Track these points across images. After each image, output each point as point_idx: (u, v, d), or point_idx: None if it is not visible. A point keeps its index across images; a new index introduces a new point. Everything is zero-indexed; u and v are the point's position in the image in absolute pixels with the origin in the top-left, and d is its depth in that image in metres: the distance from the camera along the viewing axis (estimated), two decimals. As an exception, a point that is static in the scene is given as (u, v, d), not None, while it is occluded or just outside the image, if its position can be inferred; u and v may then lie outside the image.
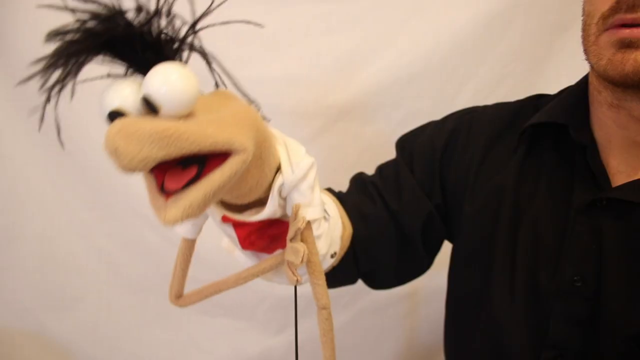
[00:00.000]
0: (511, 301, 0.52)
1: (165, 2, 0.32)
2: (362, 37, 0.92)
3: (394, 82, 0.93)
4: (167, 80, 0.30)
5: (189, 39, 0.33)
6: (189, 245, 0.49)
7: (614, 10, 0.43)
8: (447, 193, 0.62)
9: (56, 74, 0.32)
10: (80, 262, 1.00)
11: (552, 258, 0.51)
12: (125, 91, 0.31)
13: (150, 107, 0.30)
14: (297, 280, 0.42)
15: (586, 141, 0.51)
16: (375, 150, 0.95)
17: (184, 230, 0.47)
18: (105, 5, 0.31)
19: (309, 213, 0.42)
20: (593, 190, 0.50)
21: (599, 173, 0.50)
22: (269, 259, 0.46)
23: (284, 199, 0.42)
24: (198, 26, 0.33)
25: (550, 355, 0.49)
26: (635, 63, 0.42)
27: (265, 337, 1.04)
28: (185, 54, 0.34)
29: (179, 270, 0.49)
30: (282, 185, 0.41)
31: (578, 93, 0.55)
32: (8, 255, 0.97)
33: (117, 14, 0.31)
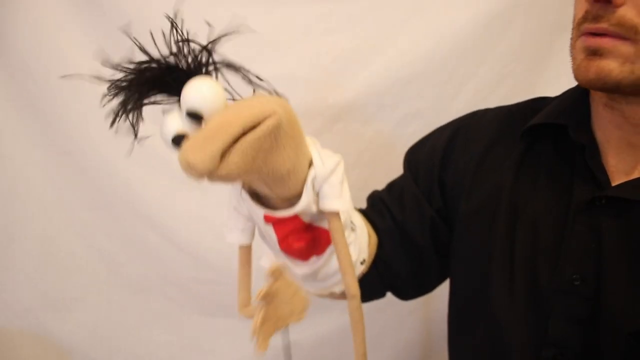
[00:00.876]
0: (511, 300, 0.52)
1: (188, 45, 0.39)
2: (362, 37, 0.92)
3: (394, 82, 0.93)
4: (197, 90, 0.37)
5: (213, 63, 0.40)
6: (247, 252, 0.51)
7: (584, 18, 0.46)
8: (446, 197, 0.63)
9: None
10: (80, 262, 1.00)
11: (551, 257, 0.51)
12: (175, 119, 0.38)
13: (194, 117, 0.37)
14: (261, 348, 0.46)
15: (585, 141, 0.52)
16: (375, 150, 0.96)
17: (235, 238, 0.50)
18: (150, 59, 0.39)
19: (339, 204, 0.46)
20: (592, 190, 0.50)
21: (599, 172, 0.50)
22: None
23: (316, 195, 0.46)
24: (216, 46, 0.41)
25: (550, 353, 0.49)
26: (598, 69, 0.44)
27: (265, 337, 1.04)
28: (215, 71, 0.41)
29: (242, 278, 0.51)
30: (314, 178, 0.45)
31: (578, 94, 0.55)
32: (8, 255, 0.97)
33: (158, 64, 0.39)
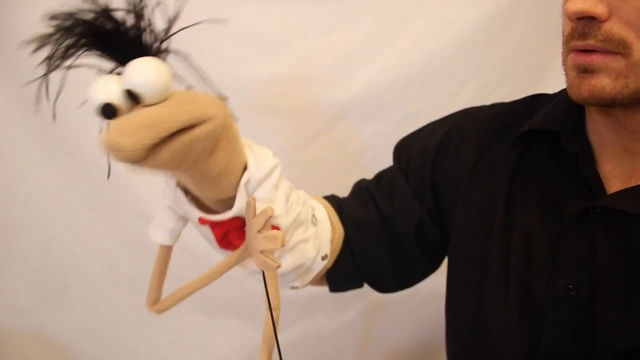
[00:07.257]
0: (505, 309, 0.52)
1: (150, 6, 0.37)
2: (362, 37, 0.92)
3: (394, 82, 0.93)
4: (144, 73, 0.35)
5: (166, 42, 0.38)
6: (166, 252, 0.52)
7: (571, 35, 0.46)
8: (440, 197, 0.62)
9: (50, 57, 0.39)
10: (80, 262, 1.00)
11: (546, 267, 0.50)
12: (110, 85, 0.35)
13: (133, 98, 0.35)
14: (278, 266, 0.46)
15: (578, 149, 0.51)
16: (375, 150, 0.95)
17: (161, 237, 0.50)
18: (95, 3, 0.36)
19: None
20: (587, 199, 0.49)
21: (593, 182, 0.49)
22: (233, 254, 0.50)
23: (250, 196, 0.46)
24: (175, 29, 0.39)
25: None
26: (590, 87, 0.43)
27: (265, 337, 1.04)
28: (164, 53, 0.38)
29: (156, 276, 0.52)
30: (248, 182, 0.45)
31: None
32: (8, 255, 0.97)
33: (105, 12, 0.36)
